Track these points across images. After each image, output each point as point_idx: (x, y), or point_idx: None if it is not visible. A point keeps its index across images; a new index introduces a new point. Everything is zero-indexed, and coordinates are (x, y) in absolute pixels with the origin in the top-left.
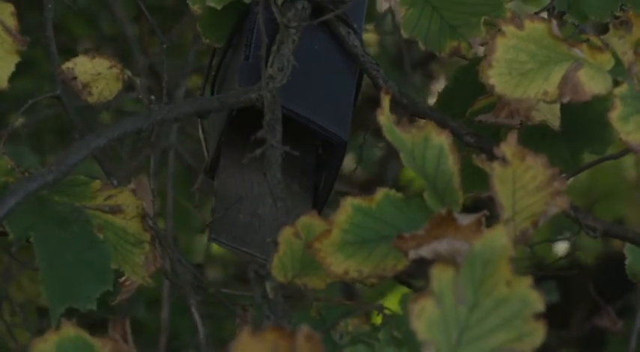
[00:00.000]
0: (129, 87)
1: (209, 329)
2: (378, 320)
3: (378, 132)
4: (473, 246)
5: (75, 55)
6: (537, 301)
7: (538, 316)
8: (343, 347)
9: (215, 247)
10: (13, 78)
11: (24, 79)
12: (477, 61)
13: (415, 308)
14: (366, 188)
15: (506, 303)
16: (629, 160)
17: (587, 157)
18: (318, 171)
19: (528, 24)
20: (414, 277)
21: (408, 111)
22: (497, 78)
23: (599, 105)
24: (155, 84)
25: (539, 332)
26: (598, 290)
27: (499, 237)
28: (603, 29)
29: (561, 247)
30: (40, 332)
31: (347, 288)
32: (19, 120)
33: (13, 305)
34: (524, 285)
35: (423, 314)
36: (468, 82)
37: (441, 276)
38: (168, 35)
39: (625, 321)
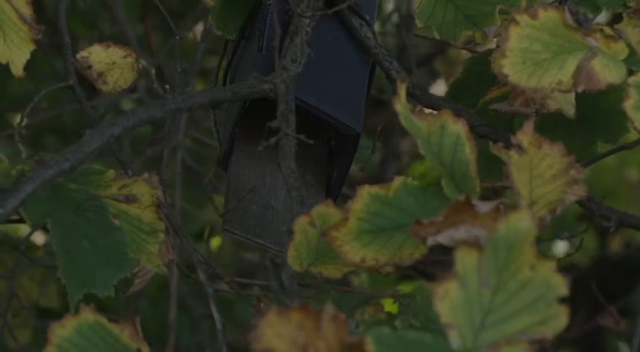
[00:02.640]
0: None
1: (209, 327)
2: (392, 309)
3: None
4: (496, 229)
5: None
6: (561, 285)
7: (561, 300)
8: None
9: (212, 248)
10: (10, 78)
11: (22, 79)
12: (488, 52)
13: (439, 290)
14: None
15: (530, 286)
16: (630, 160)
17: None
18: (330, 163)
19: (542, 13)
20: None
21: (421, 103)
22: (511, 67)
23: (613, 94)
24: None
25: (562, 316)
26: (596, 290)
27: (523, 220)
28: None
29: (560, 248)
30: (40, 331)
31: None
32: (23, 118)
33: (13, 304)
34: (548, 269)
35: (446, 297)
36: (479, 73)
37: (465, 259)
38: (178, 31)
39: (625, 321)
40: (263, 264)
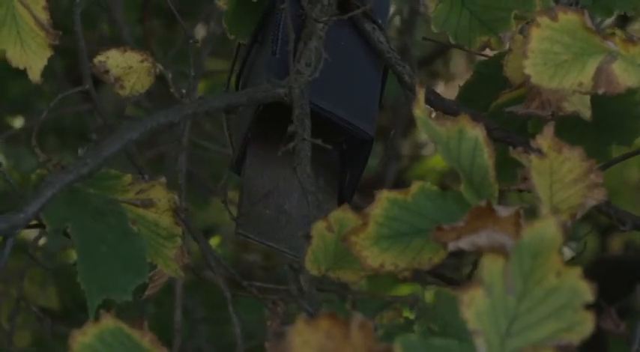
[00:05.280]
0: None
1: (208, 332)
2: (409, 314)
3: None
4: (522, 236)
5: (75, 56)
6: (587, 291)
7: (588, 306)
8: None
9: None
10: (9, 81)
11: (20, 82)
12: (499, 55)
13: (465, 297)
14: (366, 188)
15: (556, 293)
16: (632, 161)
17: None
18: (342, 167)
19: (562, 15)
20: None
21: (434, 107)
22: (532, 68)
23: (627, 97)
24: (160, 88)
25: (588, 322)
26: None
27: (549, 228)
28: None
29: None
30: (40, 332)
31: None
32: (19, 122)
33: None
34: (574, 275)
35: (472, 304)
36: (490, 77)
37: (491, 266)
38: (180, 34)
39: (625, 323)
40: (261, 265)
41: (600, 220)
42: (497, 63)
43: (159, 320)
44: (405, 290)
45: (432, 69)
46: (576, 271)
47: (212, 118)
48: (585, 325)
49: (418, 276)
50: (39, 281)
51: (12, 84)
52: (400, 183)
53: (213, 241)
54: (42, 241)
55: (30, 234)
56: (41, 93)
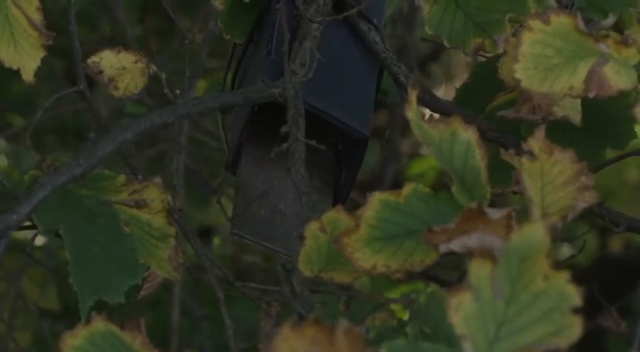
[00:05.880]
0: None
1: (208, 328)
2: (404, 315)
3: (376, 132)
4: (510, 239)
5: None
6: (575, 295)
7: (576, 310)
8: (370, 342)
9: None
10: (9, 80)
11: (21, 81)
12: (495, 57)
13: (453, 301)
14: (364, 189)
15: (544, 297)
16: (630, 161)
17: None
18: (337, 167)
19: (554, 19)
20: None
21: (430, 108)
22: (523, 72)
23: (620, 100)
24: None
25: (576, 326)
26: (595, 291)
27: (537, 232)
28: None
29: (562, 249)
30: (40, 332)
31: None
32: (20, 121)
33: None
34: (562, 279)
35: (460, 308)
36: (487, 79)
37: (478, 270)
38: (179, 34)
39: (625, 322)
40: (261, 267)
41: (599, 219)
42: (493, 65)
43: (158, 318)
44: (406, 290)
45: (430, 68)
46: (564, 275)
47: (211, 115)
48: (573, 329)
49: (418, 276)
50: (39, 281)
51: (12, 83)
52: (399, 182)
53: (216, 241)
54: (41, 241)
55: (29, 233)
56: (41, 93)
